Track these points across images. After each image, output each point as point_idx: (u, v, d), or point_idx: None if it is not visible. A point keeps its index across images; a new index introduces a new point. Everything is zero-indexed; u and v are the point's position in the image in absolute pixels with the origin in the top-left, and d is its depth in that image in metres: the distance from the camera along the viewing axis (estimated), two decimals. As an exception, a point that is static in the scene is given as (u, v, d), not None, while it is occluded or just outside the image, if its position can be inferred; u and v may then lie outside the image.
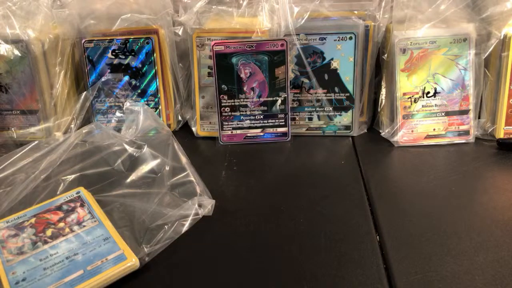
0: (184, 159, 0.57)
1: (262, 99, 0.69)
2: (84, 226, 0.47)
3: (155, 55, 0.70)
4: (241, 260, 0.46)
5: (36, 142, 0.57)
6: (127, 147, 0.57)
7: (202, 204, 0.51)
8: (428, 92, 0.67)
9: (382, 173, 0.61)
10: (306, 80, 0.70)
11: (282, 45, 0.66)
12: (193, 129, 0.73)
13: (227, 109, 0.69)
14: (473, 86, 0.67)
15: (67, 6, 0.68)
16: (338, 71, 0.69)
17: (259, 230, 0.50)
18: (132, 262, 0.43)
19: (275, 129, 0.70)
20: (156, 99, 0.73)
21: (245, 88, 0.68)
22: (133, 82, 0.72)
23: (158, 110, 0.73)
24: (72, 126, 0.71)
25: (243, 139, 0.71)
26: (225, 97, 0.69)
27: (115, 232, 0.47)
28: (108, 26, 0.69)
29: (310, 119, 0.72)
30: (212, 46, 0.66)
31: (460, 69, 0.66)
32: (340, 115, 0.71)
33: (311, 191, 0.57)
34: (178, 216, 0.49)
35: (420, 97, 0.67)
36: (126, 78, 0.72)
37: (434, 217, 0.51)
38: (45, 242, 0.45)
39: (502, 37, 0.65)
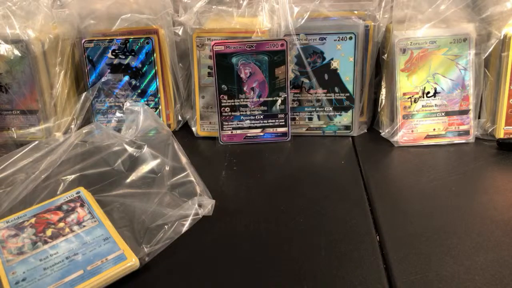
0: (184, 159, 0.57)
1: (262, 99, 0.69)
2: (84, 226, 0.47)
3: (155, 55, 0.70)
4: (241, 260, 0.46)
5: (36, 142, 0.57)
6: (127, 147, 0.57)
7: (202, 204, 0.51)
8: (428, 92, 0.67)
9: (382, 173, 0.61)
10: (306, 80, 0.70)
11: (282, 45, 0.66)
12: (193, 129, 0.73)
13: (227, 109, 0.69)
14: (473, 86, 0.67)
15: (67, 6, 0.68)
16: (338, 71, 0.69)
17: (259, 230, 0.50)
18: (132, 262, 0.43)
19: (275, 129, 0.70)
20: (156, 99, 0.73)
21: (245, 88, 0.68)
22: (133, 82, 0.72)
23: (158, 110, 0.73)
24: (72, 126, 0.71)
25: (243, 139, 0.71)
26: (225, 97, 0.69)
27: (115, 232, 0.47)
28: (108, 26, 0.69)
29: (310, 119, 0.72)
30: (212, 46, 0.66)
31: (460, 69, 0.66)
32: (340, 115, 0.71)
33: (311, 191, 0.57)
34: (178, 216, 0.49)
35: (420, 97, 0.67)
36: (126, 78, 0.72)
37: (434, 217, 0.51)
38: (45, 242, 0.45)
39: (502, 37, 0.65)
